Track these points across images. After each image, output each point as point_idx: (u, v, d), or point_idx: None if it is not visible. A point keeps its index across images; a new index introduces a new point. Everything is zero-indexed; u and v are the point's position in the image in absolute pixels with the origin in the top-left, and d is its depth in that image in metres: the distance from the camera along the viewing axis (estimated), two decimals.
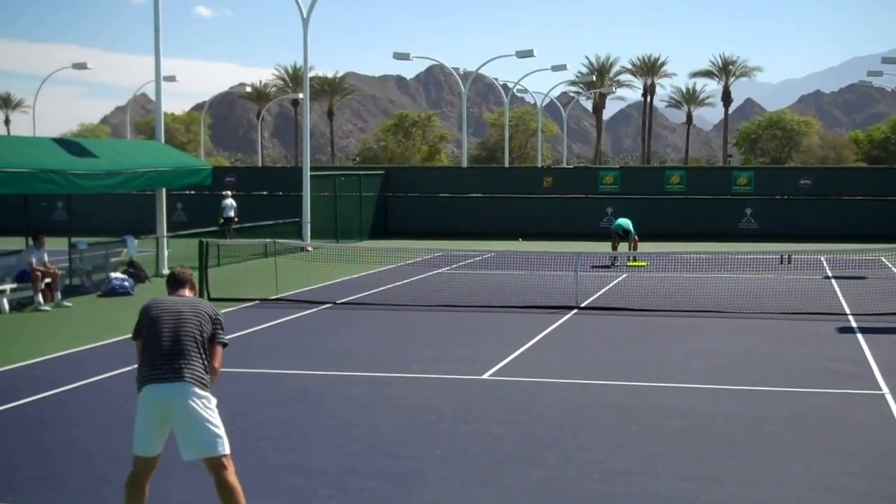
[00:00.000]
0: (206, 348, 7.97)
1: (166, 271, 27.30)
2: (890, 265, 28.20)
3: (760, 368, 14.90)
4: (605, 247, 30.42)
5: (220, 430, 7.81)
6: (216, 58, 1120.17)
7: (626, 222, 30.93)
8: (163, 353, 7.83)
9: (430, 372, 14.50)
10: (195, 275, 7.88)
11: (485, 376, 14.31)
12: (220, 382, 14.13)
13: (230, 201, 38.49)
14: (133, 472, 8.05)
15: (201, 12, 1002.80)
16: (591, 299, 22.14)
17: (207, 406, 7.80)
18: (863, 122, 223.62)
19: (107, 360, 15.49)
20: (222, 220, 37.41)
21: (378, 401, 12.82)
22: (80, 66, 67.28)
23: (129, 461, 9.96)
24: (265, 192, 45.85)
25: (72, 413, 12.42)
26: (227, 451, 7.83)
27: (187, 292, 8.41)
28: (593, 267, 27.39)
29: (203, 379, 7.84)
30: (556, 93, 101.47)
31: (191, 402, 7.71)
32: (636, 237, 30.55)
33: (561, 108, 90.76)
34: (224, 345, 8.13)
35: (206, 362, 7.92)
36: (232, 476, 7.80)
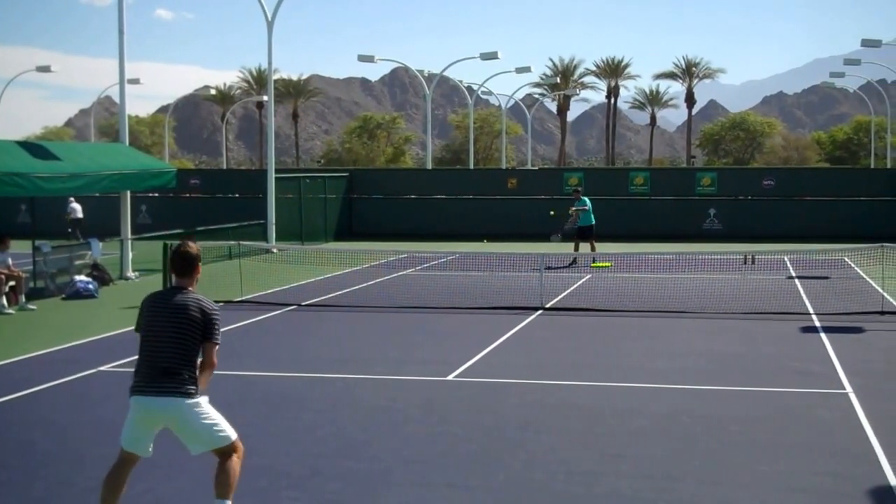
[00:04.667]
0: (197, 348, 7.83)
1: (130, 273, 27.19)
2: (853, 265, 28.40)
3: (724, 368, 14.98)
4: (568, 247, 30.46)
5: (219, 422, 7.86)
6: (179, 60, 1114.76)
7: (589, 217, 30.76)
8: (150, 361, 7.74)
9: (396, 373, 14.48)
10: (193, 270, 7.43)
11: (450, 377, 14.30)
12: None
13: (76, 205, 41.28)
14: (116, 463, 8.01)
15: (162, 15, 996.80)
16: (555, 300, 22.18)
17: (197, 409, 7.77)
18: (825, 123, 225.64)
19: (71, 363, 15.39)
20: (71, 220, 40.55)
21: (343, 402, 12.79)
22: (44, 69, 66.82)
23: (92, 464, 9.93)
24: (230, 195, 45.67)
25: (34, 416, 12.32)
26: (233, 436, 7.90)
27: (193, 277, 8.02)
28: (549, 268, 27.38)
29: (188, 388, 7.72)
30: (520, 95, 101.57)
31: (179, 413, 7.72)
32: (593, 228, 30.54)
33: (525, 109, 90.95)
34: (216, 343, 7.92)
35: (194, 363, 7.81)
36: (233, 461, 7.89)
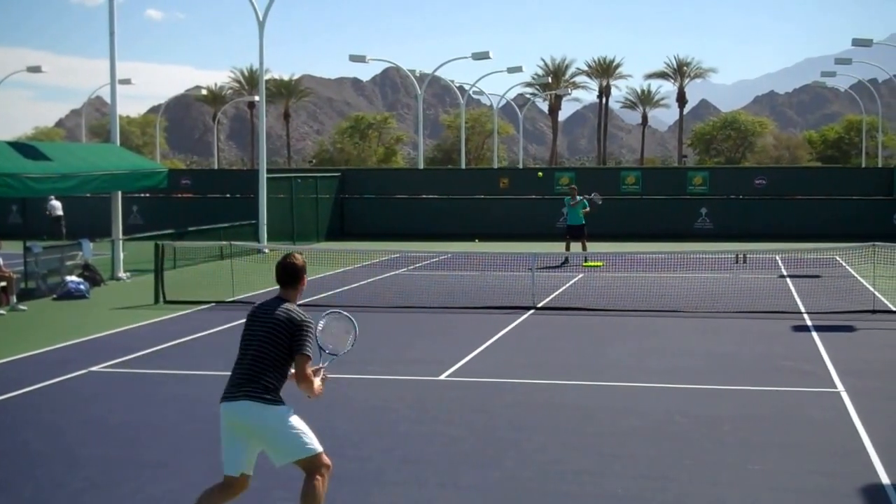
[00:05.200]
0: (283, 358, 7.65)
1: (122, 274, 27.14)
2: (844, 264, 28.44)
3: (717, 368, 14.99)
4: (560, 247, 30.47)
5: (303, 433, 7.62)
6: (170, 61, 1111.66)
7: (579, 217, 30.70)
8: (237, 368, 7.68)
9: (388, 373, 14.47)
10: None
11: (442, 377, 14.30)
12: (174, 386, 14.07)
13: (56, 202, 41.55)
14: (217, 485, 7.89)
15: (152, 15, 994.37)
16: (547, 299, 22.18)
17: (277, 416, 7.59)
18: (816, 122, 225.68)
19: (62, 364, 15.35)
20: (53, 217, 41.11)
21: (335, 402, 12.77)
22: (35, 69, 66.73)
23: (84, 465, 9.94)
24: (221, 195, 45.59)
25: (26, 417, 12.29)
26: (318, 449, 7.65)
27: (297, 289, 8.02)
28: (541, 268, 27.39)
29: (267, 394, 7.56)
30: (511, 94, 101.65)
31: (257, 419, 7.56)
32: (584, 228, 30.51)
33: (517, 109, 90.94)
34: (305, 356, 7.62)
35: (278, 372, 7.67)
36: (318, 480, 7.64)
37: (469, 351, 16.20)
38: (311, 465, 7.65)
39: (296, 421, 7.66)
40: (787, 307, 20.91)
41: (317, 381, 7.78)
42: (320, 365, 7.90)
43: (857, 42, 54.46)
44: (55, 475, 9.81)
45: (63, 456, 10.42)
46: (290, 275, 7.96)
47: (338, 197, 44.95)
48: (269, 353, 7.62)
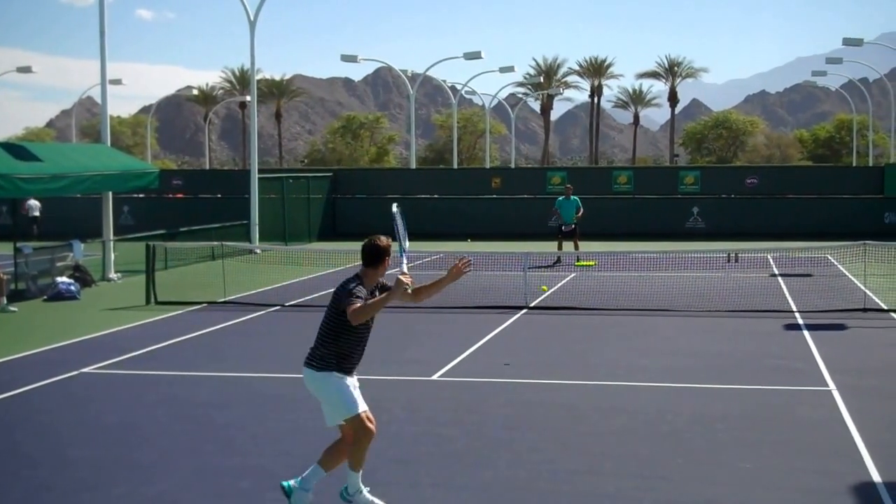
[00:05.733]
0: (332, 325, 8.67)
1: (113, 275, 27.09)
2: (836, 262, 28.48)
3: (708, 366, 14.99)
4: (553, 246, 30.46)
5: (343, 395, 8.52)
6: (161, 61, 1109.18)
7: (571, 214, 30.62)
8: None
9: (380, 373, 14.43)
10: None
11: (434, 377, 14.29)
12: (165, 387, 14.04)
13: (35, 202, 41.48)
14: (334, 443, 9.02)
15: (142, 15, 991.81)
16: (539, 299, 22.17)
17: (324, 381, 8.53)
18: (807, 121, 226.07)
19: (53, 365, 15.31)
20: (30, 217, 41.29)
21: None
22: (25, 69, 66.59)
23: (74, 466, 9.92)
24: (213, 195, 45.52)
25: (17, 418, 12.26)
26: (358, 409, 8.52)
27: (377, 269, 8.82)
28: (532, 267, 27.39)
29: (316, 362, 8.61)
30: (503, 94, 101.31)
31: (309, 382, 8.66)
32: (576, 224, 30.38)
33: (509, 109, 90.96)
34: (349, 307, 8.41)
35: (330, 342, 8.63)
36: (359, 439, 8.58)
37: (461, 351, 16.19)
38: (354, 425, 8.54)
39: (338, 383, 8.54)
40: (778, 306, 20.93)
41: (405, 278, 8.66)
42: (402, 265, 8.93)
43: (847, 41, 54.50)
44: (46, 477, 9.77)
45: (54, 457, 10.39)
46: (370, 255, 8.76)
47: (330, 197, 44.92)
48: (325, 323, 8.73)
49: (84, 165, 25.79)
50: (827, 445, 10.63)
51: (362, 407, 8.53)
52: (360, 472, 8.65)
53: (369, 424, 8.53)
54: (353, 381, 8.66)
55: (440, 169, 74.97)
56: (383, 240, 8.80)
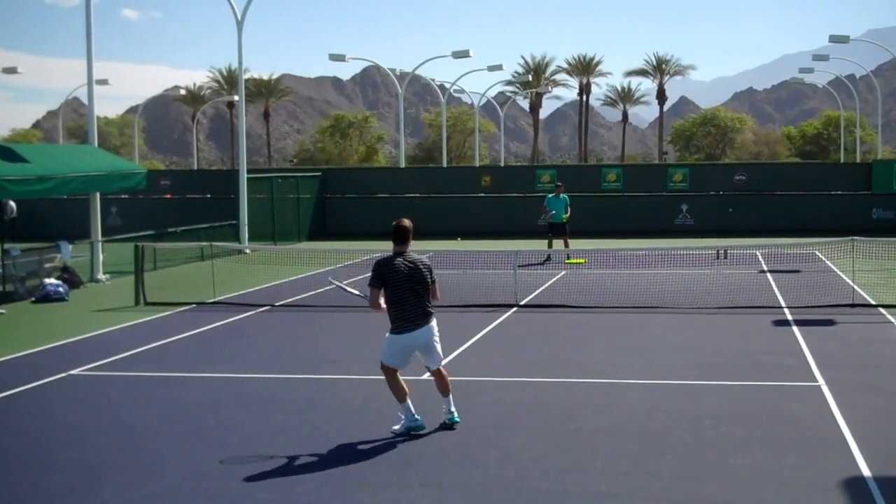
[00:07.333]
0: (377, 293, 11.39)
1: (101, 276, 27.03)
2: (824, 258, 28.54)
3: (698, 363, 15.01)
4: (543, 244, 30.46)
5: (384, 352, 11.43)
6: (147, 60, 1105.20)
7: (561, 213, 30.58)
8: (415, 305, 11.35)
9: (370, 373, 14.39)
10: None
11: (425, 376, 14.24)
12: (155, 388, 14.02)
13: (12, 204, 40.91)
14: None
15: (128, 15, 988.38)
16: (529, 297, 22.18)
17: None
18: (795, 118, 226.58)
19: (41, 367, 15.27)
20: (7, 219, 40.24)
21: (317, 403, 12.75)
22: (11, 70, 66.42)
23: (62, 470, 9.90)
24: (201, 195, 45.41)
25: (4, 421, 12.22)
26: (382, 361, 11.39)
27: (407, 244, 11.37)
28: (521, 266, 27.38)
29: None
30: (492, 93, 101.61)
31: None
32: (565, 222, 30.34)
33: (498, 107, 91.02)
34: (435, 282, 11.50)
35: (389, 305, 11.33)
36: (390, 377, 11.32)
37: (451, 349, 16.14)
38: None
39: (384, 341, 11.40)
40: (767, 302, 20.97)
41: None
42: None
43: (834, 38, 54.62)
44: (33, 480, 9.75)
45: (41, 461, 10.36)
46: (402, 234, 11.26)
47: (319, 196, 44.86)
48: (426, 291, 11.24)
49: (71, 166, 25.72)
50: (816, 441, 10.66)
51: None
52: (403, 402, 11.12)
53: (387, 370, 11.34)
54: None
55: (430, 168, 74.95)
56: (407, 221, 11.37)
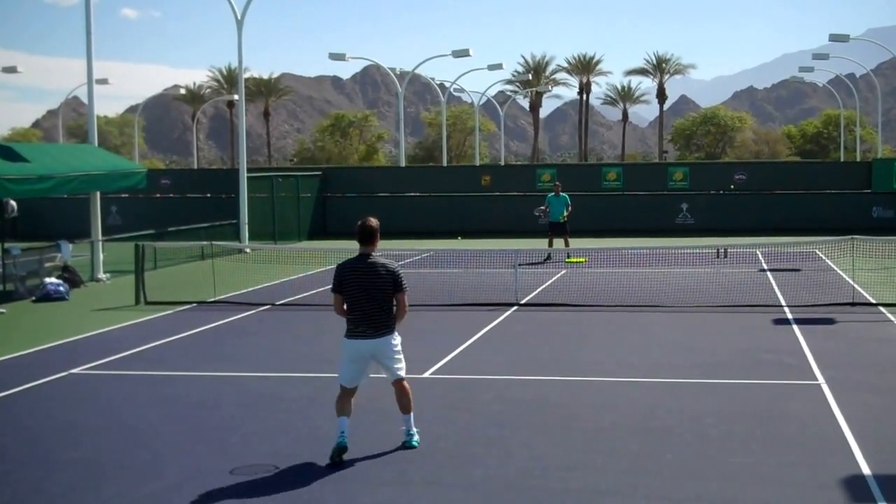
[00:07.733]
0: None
1: (101, 275, 27.02)
2: (824, 257, 28.55)
3: (698, 362, 15.01)
4: (543, 243, 30.47)
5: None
6: (147, 60, 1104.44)
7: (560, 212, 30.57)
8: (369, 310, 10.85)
9: (370, 371, 14.41)
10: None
11: (426, 375, 14.27)
12: (155, 387, 14.03)
13: (13, 203, 40.16)
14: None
15: (128, 14, 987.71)
16: (530, 296, 22.17)
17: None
18: (795, 117, 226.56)
19: (41, 366, 15.27)
20: (8, 218, 40.18)
21: (318, 402, 12.74)
22: (10, 69, 66.39)
23: (63, 469, 9.90)
24: (201, 194, 45.39)
25: (5, 420, 12.22)
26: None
27: (374, 245, 10.67)
28: (520, 264, 27.38)
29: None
30: (492, 92, 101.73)
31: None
32: (566, 222, 30.32)
33: (498, 106, 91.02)
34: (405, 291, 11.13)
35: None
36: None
37: (452, 348, 16.18)
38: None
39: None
40: (767, 301, 20.97)
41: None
42: None
43: (834, 37, 54.60)
44: (34, 480, 9.74)
45: (42, 460, 10.36)
46: (367, 234, 10.54)
47: (319, 195, 44.87)
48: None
49: (71, 166, 25.71)
50: (816, 439, 10.66)
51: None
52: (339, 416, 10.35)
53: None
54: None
55: (430, 167, 74.94)
56: (374, 221, 10.67)
